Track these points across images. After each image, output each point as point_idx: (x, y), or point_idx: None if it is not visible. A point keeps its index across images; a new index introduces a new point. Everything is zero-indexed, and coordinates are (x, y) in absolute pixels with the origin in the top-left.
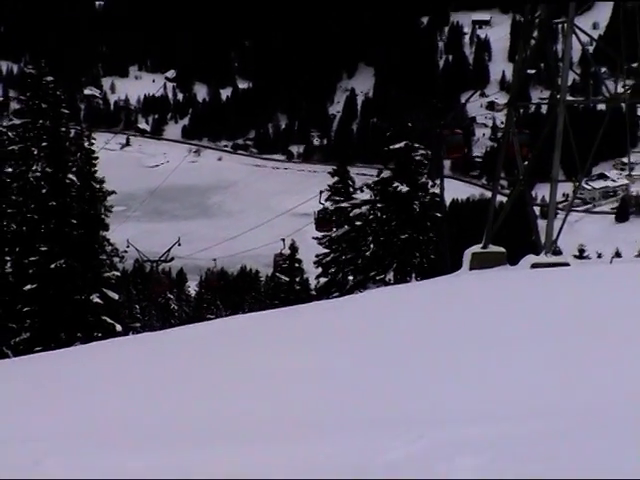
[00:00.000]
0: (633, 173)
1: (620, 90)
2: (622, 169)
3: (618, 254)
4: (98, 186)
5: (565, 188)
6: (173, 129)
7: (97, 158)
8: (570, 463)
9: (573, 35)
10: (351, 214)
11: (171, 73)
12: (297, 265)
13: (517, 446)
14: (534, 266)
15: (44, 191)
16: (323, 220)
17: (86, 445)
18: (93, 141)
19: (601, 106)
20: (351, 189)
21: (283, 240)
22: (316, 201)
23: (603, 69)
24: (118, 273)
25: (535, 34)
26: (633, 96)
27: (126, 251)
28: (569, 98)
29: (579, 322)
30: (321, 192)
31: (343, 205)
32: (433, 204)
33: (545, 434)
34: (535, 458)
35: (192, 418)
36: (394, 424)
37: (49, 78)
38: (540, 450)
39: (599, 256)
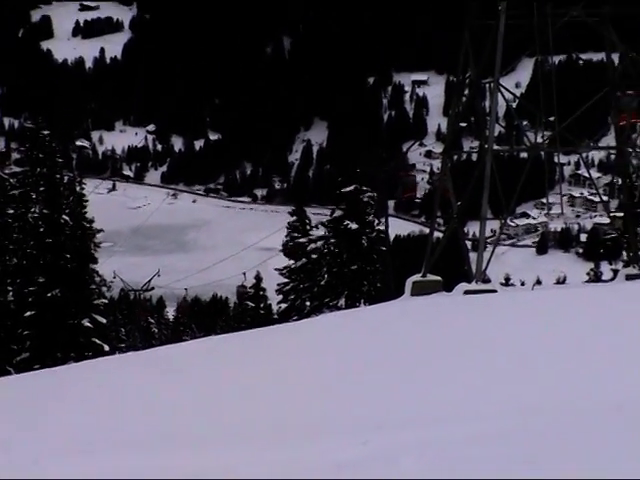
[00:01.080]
0: (551, 212)
1: (539, 140)
2: (541, 208)
3: (539, 282)
4: (88, 225)
5: (493, 225)
6: (153, 175)
7: (87, 201)
8: (504, 464)
9: (499, 93)
10: (308, 248)
11: (151, 127)
12: (261, 293)
13: (451, 448)
14: (466, 292)
15: (41, 230)
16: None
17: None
18: (84, 186)
19: (523, 154)
20: (308, 227)
21: (244, 274)
22: (277, 236)
23: (524, 122)
24: (106, 300)
25: (466, 92)
26: (550, 145)
27: (112, 281)
28: (495, 147)
29: (504, 338)
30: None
31: (301, 240)
32: (379, 239)
33: (485, 435)
34: (471, 459)
35: (176, 423)
36: (347, 429)
37: (45, 132)
38: (475, 451)
39: (522, 284)
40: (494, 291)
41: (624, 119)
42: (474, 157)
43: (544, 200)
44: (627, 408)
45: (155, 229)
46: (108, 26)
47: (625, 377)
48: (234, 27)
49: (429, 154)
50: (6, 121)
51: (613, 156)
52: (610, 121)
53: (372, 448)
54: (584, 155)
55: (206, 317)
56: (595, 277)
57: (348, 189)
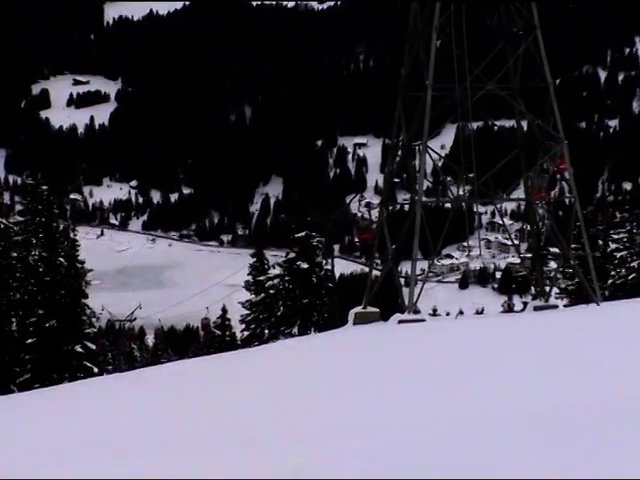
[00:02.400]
0: (471, 254)
1: (461, 193)
2: (463, 250)
3: (461, 312)
4: (80, 266)
5: (422, 264)
6: (135, 223)
7: (79, 245)
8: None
9: (426, 154)
10: (266, 285)
11: (134, 182)
12: (227, 323)
13: (386, 455)
14: (400, 322)
15: (40, 270)
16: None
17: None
18: (76, 233)
19: (447, 205)
20: (266, 266)
21: (207, 308)
22: (240, 275)
23: (448, 178)
24: (95, 329)
25: (399, 153)
26: (470, 197)
27: (101, 313)
28: (424, 199)
29: (433, 359)
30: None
31: (260, 278)
32: (326, 277)
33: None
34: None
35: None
36: (298, 438)
37: (44, 187)
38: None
39: (447, 314)
40: (423, 320)
41: (537, 194)
42: (406, 207)
43: (465, 243)
44: (538, 416)
45: (136, 269)
46: (97, 98)
47: (535, 390)
48: (203, 98)
49: (368, 205)
50: (10, 178)
51: (523, 207)
52: (529, 175)
53: (319, 455)
54: (498, 205)
55: (180, 343)
56: (508, 308)
57: (300, 235)
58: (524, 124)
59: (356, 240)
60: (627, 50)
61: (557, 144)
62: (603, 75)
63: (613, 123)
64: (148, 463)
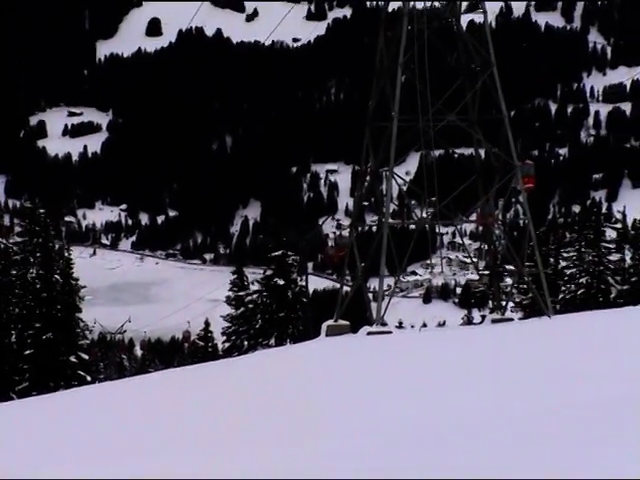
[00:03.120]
0: (433, 271)
1: (424, 215)
2: (426, 268)
3: (424, 325)
4: (74, 283)
5: (389, 281)
6: (125, 243)
7: (73, 264)
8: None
9: (392, 179)
10: (245, 300)
11: (124, 206)
12: (209, 335)
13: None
14: (369, 333)
15: (38, 286)
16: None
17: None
18: (70, 252)
19: (412, 226)
20: (246, 283)
21: (188, 322)
22: (222, 291)
23: (413, 202)
24: (88, 341)
25: (368, 178)
26: (433, 219)
27: (93, 326)
28: (391, 221)
29: (397, 367)
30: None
31: (240, 294)
32: (301, 293)
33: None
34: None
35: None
36: (277, 439)
37: (41, 210)
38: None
39: (412, 327)
40: (390, 332)
41: (526, 182)
42: (374, 229)
43: (428, 261)
44: (502, 419)
45: (126, 285)
46: (90, 128)
47: (494, 395)
48: (188, 129)
49: (339, 226)
50: (10, 202)
51: (480, 228)
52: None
53: (298, 455)
54: (458, 227)
55: (166, 354)
56: (468, 321)
57: (276, 253)
58: (482, 152)
59: (331, 256)
60: (575, 85)
61: (525, 165)
62: (554, 107)
63: (563, 151)
64: (144, 464)
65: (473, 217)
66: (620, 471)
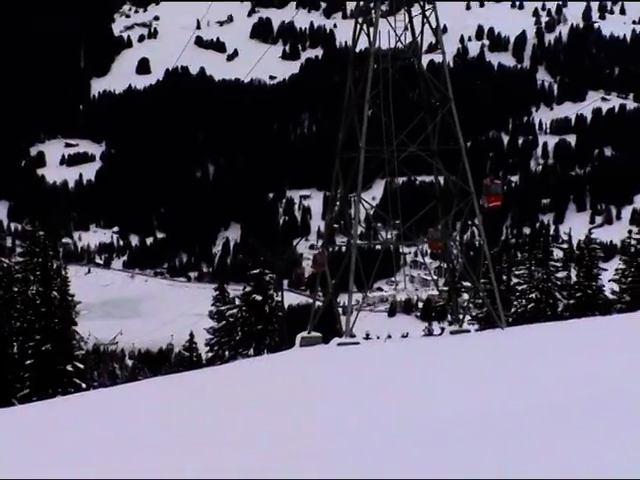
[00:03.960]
0: (397, 287)
1: (389, 237)
2: (391, 285)
3: (389, 336)
4: (70, 298)
5: (357, 296)
6: (117, 262)
7: (69, 281)
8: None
9: (360, 204)
10: (227, 314)
11: (116, 228)
12: (194, 345)
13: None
14: (339, 344)
15: (37, 302)
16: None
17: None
18: (67, 271)
19: (378, 247)
20: (227, 299)
21: (172, 335)
22: (205, 306)
23: (379, 224)
24: (83, 351)
25: (337, 203)
26: (397, 240)
27: (88, 338)
28: (359, 242)
29: (368, 373)
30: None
31: (221, 308)
32: (277, 307)
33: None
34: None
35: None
36: (253, 441)
37: (40, 232)
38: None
39: (378, 338)
40: (358, 343)
41: (494, 200)
42: (344, 249)
43: (393, 278)
44: (462, 421)
45: (118, 301)
46: (85, 158)
47: (454, 398)
48: (174, 158)
49: (312, 247)
50: (12, 225)
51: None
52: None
53: (272, 456)
54: (420, 247)
55: (155, 363)
56: (429, 332)
57: (255, 272)
58: (441, 179)
59: (315, 267)
60: (525, 118)
61: (494, 184)
62: (506, 139)
63: (514, 178)
64: (141, 462)
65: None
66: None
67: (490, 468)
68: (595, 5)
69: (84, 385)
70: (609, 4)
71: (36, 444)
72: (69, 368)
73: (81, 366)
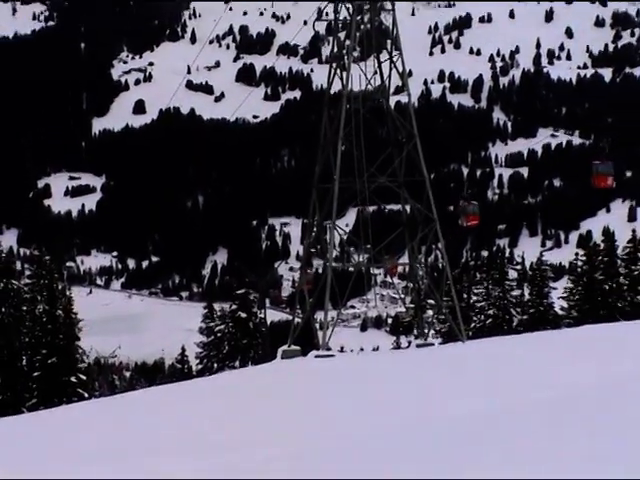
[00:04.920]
0: (369, 304)
1: (361, 259)
2: (363, 302)
3: (362, 349)
4: (74, 316)
5: (332, 313)
6: (116, 284)
7: (73, 301)
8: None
9: (335, 230)
10: (215, 329)
11: (115, 253)
12: (185, 358)
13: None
14: (316, 356)
15: (44, 319)
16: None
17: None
18: (71, 291)
19: (351, 269)
20: (215, 316)
21: (162, 350)
22: (196, 322)
23: (352, 248)
24: (85, 364)
25: (314, 230)
26: (368, 263)
27: (90, 352)
28: (333, 264)
29: (343, 381)
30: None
31: (210, 325)
32: (260, 323)
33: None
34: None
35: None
36: (233, 444)
37: (46, 257)
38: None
39: (351, 350)
40: (333, 355)
41: (472, 219)
42: (320, 271)
43: (365, 297)
44: (426, 424)
45: (117, 318)
46: (87, 190)
47: (420, 403)
48: (167, 189)
49: (292, 269)
50: (22, 251)
51: (407, 269)
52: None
53: (250, 458)
54: (389, 268)
55: (150, 374)
56: (397, 346)
57: (240, 291)
58: (407, 208)
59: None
60: (482, 153)
61: (469, 204)
62: (465, 171)
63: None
64: (141, 463)
65: (401, 260)
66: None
67: (445, 469)
68: (544, 51)
69: (86, 395)
70: (557, 51)
71: (43, 447)
72: (73, 379)
73: (84, 377)
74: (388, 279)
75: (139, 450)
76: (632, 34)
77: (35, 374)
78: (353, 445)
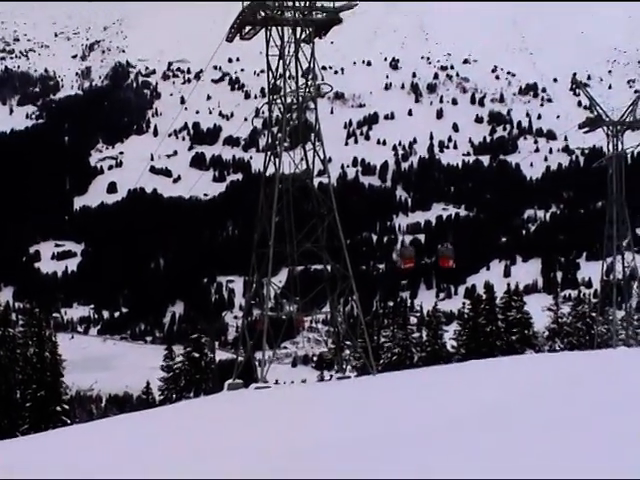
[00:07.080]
0: (299, 345)
1: (291, 309)
2: (294, 343)
3: (292, 382)
4: (58, 357)
5: (269, 352)
6: (93, 330)
7: (58, 345)
8: None
9: (270, 286)
10: (174, 367)
11: (92, 306)
12: (150, 391)
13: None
14: (256, 388)
15: (34, 360)
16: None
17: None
18: (56, 337)
19: (283, 317)
20: (174, 356)
21: (127, 386)
22: (157, 361)
23: (284, 300)
24: (68, 396)
25: (254, 286)
26: (297, 314)
27: (72, 386)
28: (269, 313)
29: (279, 407)
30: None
31: (170, 363)
32: (211, 362)
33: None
34: None
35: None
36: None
37: (36, 309)
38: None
39: (284, 382)
40: (270, 387)
41: (406, 262)
42: (259, 318)
43: (295, 339)
44: (352, 444)
45: (94, 359)
46: (69, 255)
47: (341, 425)
48: (135, 253)
49: (236, 317)
50: (16, 304)
51: (329, 316)
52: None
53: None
54: (314, 316)
55: (121, 404)
56: (321, 379)
57: (194, 336)
58: (329, 267)
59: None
60: (388, 223)
61: (407, 249)
62: (375, 238)
63: (381, 266)
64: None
65: (324, 310)
66: None
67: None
68: (436, 142)
69: (69, 421)
70: (446, 141)
71: (34, 465)
72: (58, 409)
73: (67, 407)
74: (314, 325)
75: (123, 469)
76: (504, 129)
77: (27, 405)
78: (290, 458)
